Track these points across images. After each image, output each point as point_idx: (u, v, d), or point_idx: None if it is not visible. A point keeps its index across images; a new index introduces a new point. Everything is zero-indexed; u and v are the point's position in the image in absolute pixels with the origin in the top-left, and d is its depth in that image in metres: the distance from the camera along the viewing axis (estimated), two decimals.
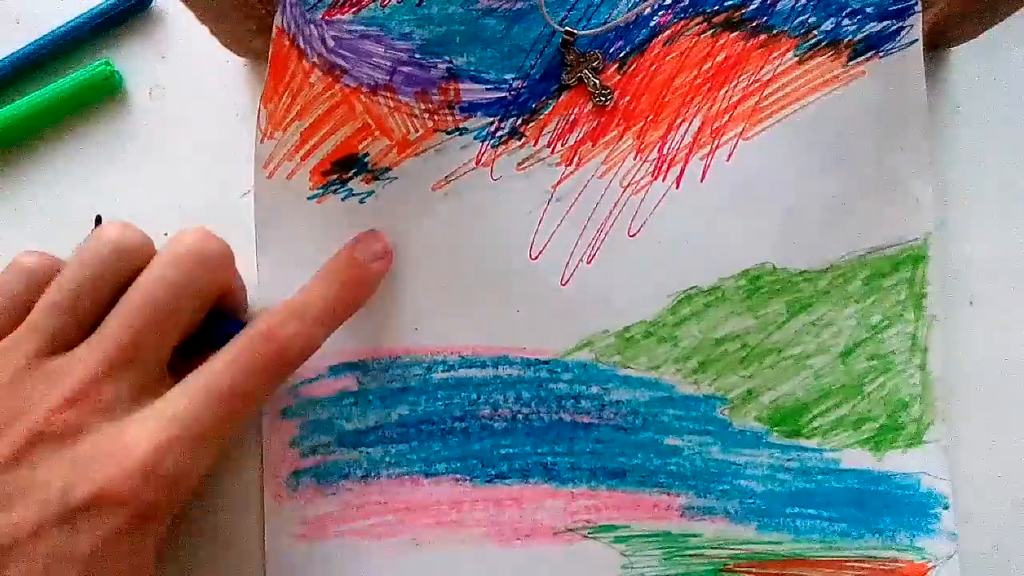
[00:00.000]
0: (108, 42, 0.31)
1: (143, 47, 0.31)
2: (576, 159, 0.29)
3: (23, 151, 0.31)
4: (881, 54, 0.28)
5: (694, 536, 0.28)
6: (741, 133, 0.29)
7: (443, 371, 0.28)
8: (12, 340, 0.24)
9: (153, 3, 0.31)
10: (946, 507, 0.28)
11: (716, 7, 0.28)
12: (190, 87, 0.31)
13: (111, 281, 0.24)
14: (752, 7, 0.28)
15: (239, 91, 0.30)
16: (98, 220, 0.26)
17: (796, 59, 0.28)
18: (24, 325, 0.24)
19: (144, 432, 0.22)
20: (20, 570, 0.21)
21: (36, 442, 0.22)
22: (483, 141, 0.28)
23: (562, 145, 0.29)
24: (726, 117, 0.29)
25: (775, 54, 0.28)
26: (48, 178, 0.30)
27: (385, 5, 0.27)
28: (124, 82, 0.31)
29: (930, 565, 0.28)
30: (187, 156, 0.30)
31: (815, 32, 0.28)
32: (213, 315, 0.26)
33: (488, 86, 0.28)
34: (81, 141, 0.31)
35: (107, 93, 0.31)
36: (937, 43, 0.30)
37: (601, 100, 0.28)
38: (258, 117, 0.27)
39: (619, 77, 0.29)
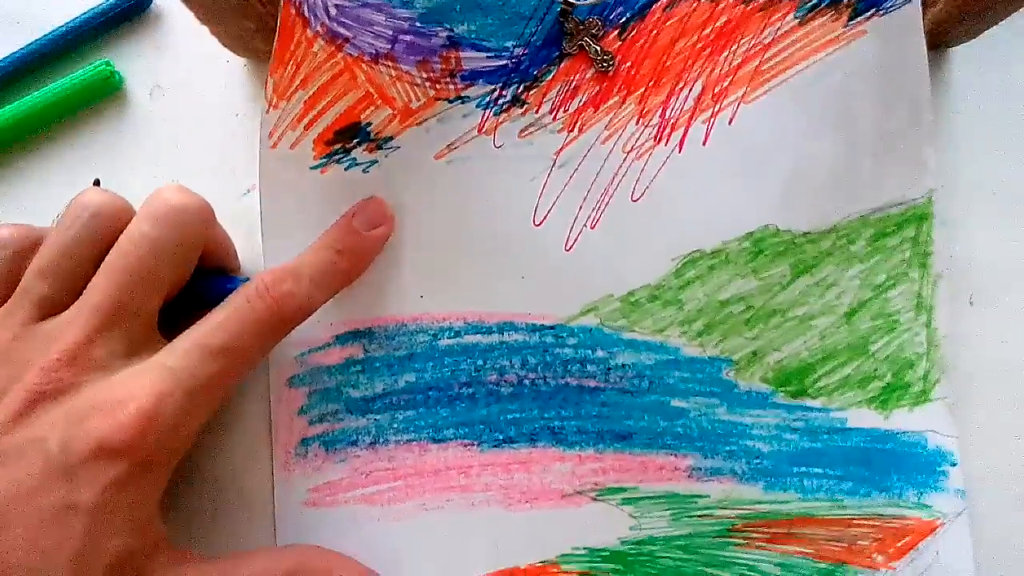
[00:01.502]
0: (108, 42, 0.31)
1: (143, 47, 0.31)
2: (578, 125, 0.29)
3: (23, 151, 0.31)
4: (881, 12, 0.28)
5: (701, 497, 0.28)
6: (743, 97, 0.29)
7: (449, 338, 0.28)
8: (4, 310, 0.24)
9: (153, 3, 0.31)
10: (954, 464, 0.28)
11: None
12: (190, 87, 0.31)
13: (93, 244, 0.24)
14: None
15: (239, 91, 0.30)
16: (96, 184, 0.27)
17: (797, 21, 0.28)
18: (15, 294, 0.24)
19: (139, 384, 0.23)
20: (26, 524, 0.22)
21: (33, 402, 0.23)
22: (485, 109, 0.28)
23: (564, 112, 0.29)
24: (728, 81, 0.29)
25: (776, 16, 0.28)
26: (48, 178, 0.31)
27: None
28: (124, 82, 0.31)
29: (939, 522, 0.28)
30: (187, 156, 0.30)
31: None
32: (206, 275, 0.26)
33: (489, 54, 0.28)
34: (81, 141, 0.31)
35: (107, 93, 0.31)
36: (937, 43, 0.30)
37: (603, 66, 0.28)
38: (266, 87, 0.27)
39: (620, 43, 0.29)
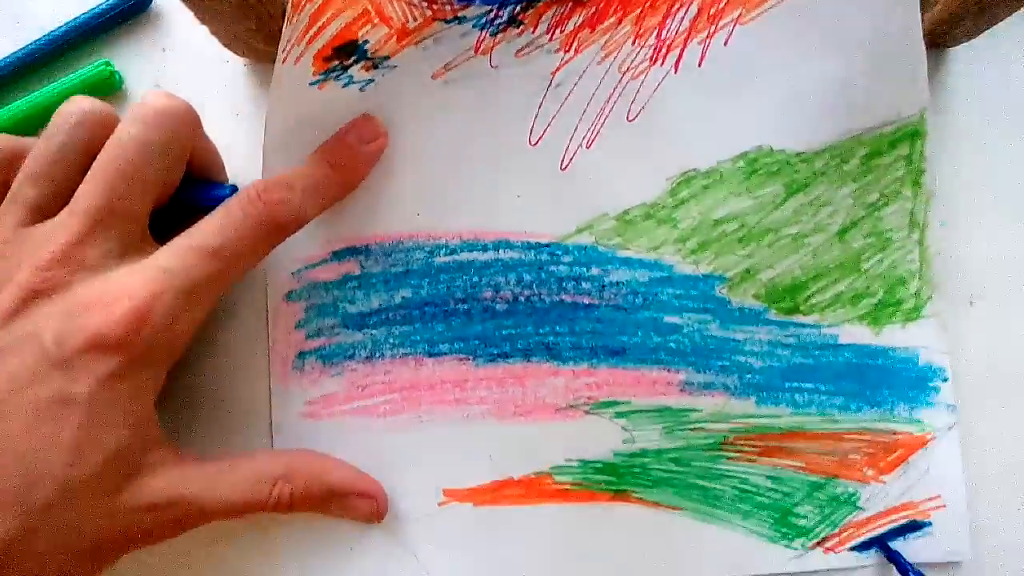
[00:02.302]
0: (108, 42, 0.31)
1: (143, 47, 0.31)
2: (574, 45, 0.29)
3: None
4: None
5: (694, 411, 0.28)
6: (738, 18, 0.29)
7: (445, 255, 0.29)
8: None
9: (153, 3, 0.31)
10: (945, 380, 0.28)
11: None
12: (190, 87, 0.30)
13: (80, 149, 0.24)
14: None
15: (239, 91, 0.30)
16: None
17: None
18: (5, 201, 0.24)
19: (134, 282, 0.23)
20: (23, 416, 0.22)
21: (26, 299, 0.23)
22: (482, 29, 0.29)
23: (560, 32, 0.29)
24: (723, 2, 0.29)
25: None
26: None
27: None
28: (124, 82, 0.31)
29: (930, 437, 0.28)
30: None
31: None
32: (195, 184, 0.26)
33: None
34: None
35: (107, 93, 0.31)
36: (937, 43, 0.30)
37: None
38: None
39: None
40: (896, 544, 0.28)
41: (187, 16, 0.26)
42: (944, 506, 0.28)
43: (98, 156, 0.24)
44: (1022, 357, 0.29)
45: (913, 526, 0.28)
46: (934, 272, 0.28)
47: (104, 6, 0.31)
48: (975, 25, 0.28)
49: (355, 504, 0.27)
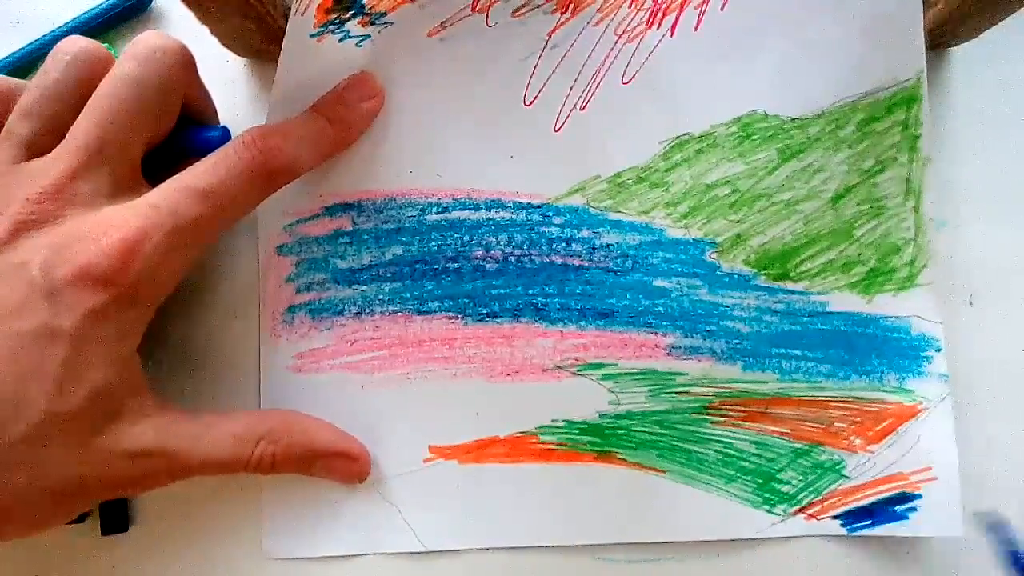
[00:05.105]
0: (108, 42, 0.31)
1: None
2: (571, 6, 0.29)
3: None
4: None
5: (680, 374, 0.28)
6: None
7: (437, 213, 0.29)
8: None
9: (153, 3, 0.31)
10: (938, 350, 0.28)
11: None
12: None
13: (74, 87, 0.24)
14: None
15: (239, 91, 0.30)
16: None
17: None
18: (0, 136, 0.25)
19: (124, 218, 0.23)
20: (8, 346, 0.22)
21: (17, 231, 0.23)
22: None
23: None
24: None
25: None
26: None
27: None
28: None
29: (920, 407, 0.28)
30: None
31: None
32: (189, 127, 0.27)
33: None
34: None
35: None
36: (937, 43, 0.29)
37: None
38: None
39: None
40: (884, 518, 0.27)
41: (187, 16, 0.26)
42: (935, 478, 0.28)
43: (93, 94, 0.24)
44: (1022, 357, 0.29)
45: (902, 498, 0.28)
46: (929, 239, 0.28)
47: (104, 6, 0.31)
48: (975, 25, 0.28)
49: (337, 466, 0.27)
